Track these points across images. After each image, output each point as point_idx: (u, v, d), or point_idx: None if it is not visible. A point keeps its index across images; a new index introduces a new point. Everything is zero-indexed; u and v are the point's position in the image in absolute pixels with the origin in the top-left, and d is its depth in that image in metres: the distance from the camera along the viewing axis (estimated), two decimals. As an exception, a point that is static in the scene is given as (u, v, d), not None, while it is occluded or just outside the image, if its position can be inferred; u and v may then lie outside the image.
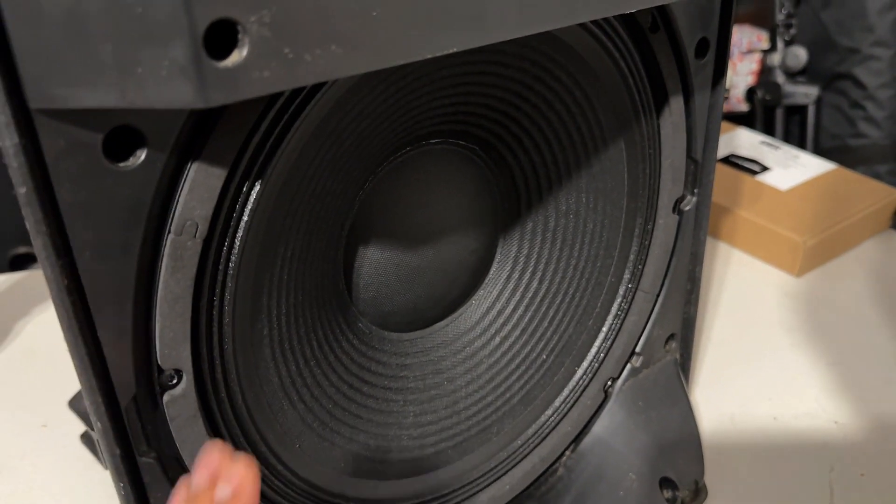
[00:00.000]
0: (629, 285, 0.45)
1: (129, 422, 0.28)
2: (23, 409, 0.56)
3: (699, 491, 0.48)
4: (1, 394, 0.58)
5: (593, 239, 0.44)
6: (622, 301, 0.45)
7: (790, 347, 0.64)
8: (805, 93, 1.37)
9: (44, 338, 0.64)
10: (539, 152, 0.41)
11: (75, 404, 0.47)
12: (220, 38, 0.20)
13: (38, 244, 0.24)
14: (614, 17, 0.36)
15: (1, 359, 0.62)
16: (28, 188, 0.23)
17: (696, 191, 0.45)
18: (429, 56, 0.24)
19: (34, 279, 0.72)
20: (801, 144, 1.39)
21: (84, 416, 0.46)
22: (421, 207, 0.39)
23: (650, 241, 0.45)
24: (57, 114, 0.22)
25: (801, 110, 1.40)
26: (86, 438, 0.51)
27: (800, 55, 1.38)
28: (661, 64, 0.40)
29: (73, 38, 0.21)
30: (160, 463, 0.29)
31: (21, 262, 1.01)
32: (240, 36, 0.20)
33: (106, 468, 0.50)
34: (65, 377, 0.59)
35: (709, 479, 0.50)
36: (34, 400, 0.57)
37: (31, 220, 0.23)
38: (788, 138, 1.44)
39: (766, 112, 1.44)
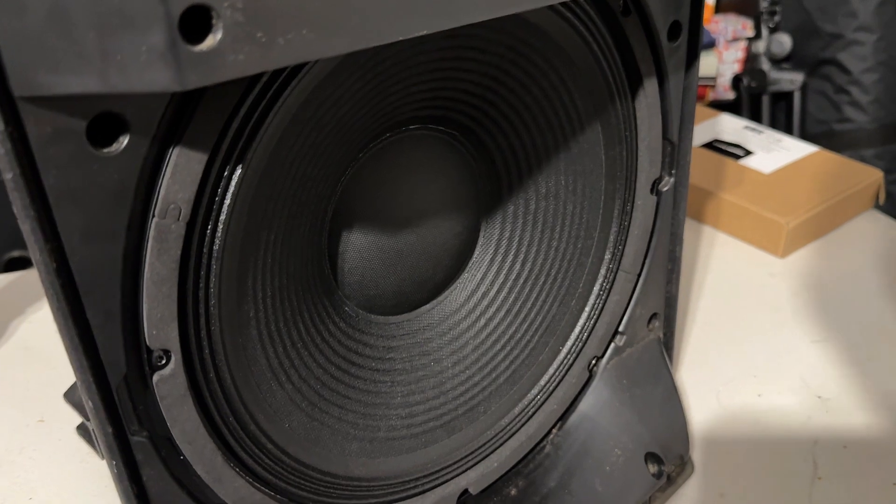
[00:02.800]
0: (610, 266, 0.46)
1: (121, 401, 0.29)
2: (19, 405, 0.57)
3: (685, 465, 0.49)
4: (-2, 391, 0.59)
5: (573, 221, 0.45)
6: (604, 281, 0.46)
7: (775, 326, 0.65)
8: (790, 79, 1.39)
9: (38, 336, 0.65)
10: (517, 136, 0.42)
11: (70, 396, 0.48)
12: (195, 23, 0.21)
13: (27, 228, 0.24)
14: (585, 1, 0.37)
15: (-3, 357, 0.63)
16: (15, 174, 0.23)
17: (673, 172, 0.46)
18: (399, 38, 0.25)
19: (28, 279, 0.73)
20: (788, 130, 1.41)
21: (79, 407, 0.47)
22: (403, 192, 0.40)
23: (629, 222, 0.46)
24: (42, 101, 0.23)
25: (786, 97, 1.41)
26: (82, 430, 0.52)
27: (784, 42, 1.39)
28: (635, 47, 0.41)
29: (56, 28, 0.22)
30: (152, 442, 0.30)
31: (15, 266, 1.02)
32: (214, 21, 0.21)
33: (102, 457, 0.51)
34: (60, 373, 0.60)
35: (695, 455, 0.51)
36: (30, 396, 0.58)
37: (19, 204, 0.24)
38: (775, 125, 1.45)
39: (752, 99, 1.45)
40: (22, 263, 1.03)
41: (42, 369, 0.61)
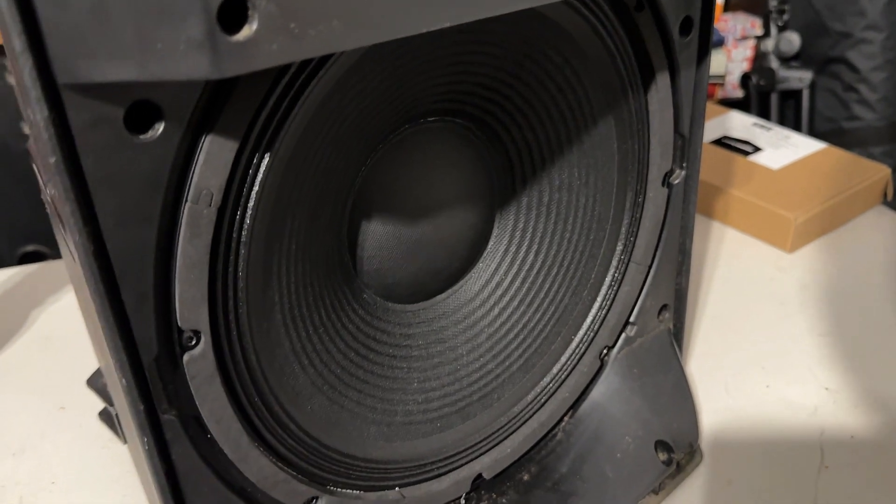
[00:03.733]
0: (621, 257, 0.47)
1: (152, 380, 0.30)
2: (41, 393, 0.58)
3: (694, 453, 0.50)
4: (19, 379, 0.60)
5: (586, 212, 0.45)
6: (615, 272, 0.47)
7: (783, 319, 0.66)
8: (799, 77, 1.39)
9: (58, 325, 0.66)
10: (532, 129, 0.43)
11: (93, 382, 0.49)
12: (232, 14, 0.22)
13: (66, 211, 0.25)
14: (600, -4, 0.38)
15: (18, 346, 0.64)
16: (57, 158, 0.25)
17: (684, 165, 0.47)
18: (423, 30, 0.26)
19: (47, 271, 0.74)
20: (797, 128, 1.41)
21: (102, 393, 0.48)
22: (420, 184, 0.41)
23: (641, 214, 0.47)
24: (82, 89, 0.24)
25: (795, 95, 1.41)
26: (104, 415, 0.53)
27: (793, 40, 1.40)
28: (647, 42, 0.42)
29: (98, 18, 0.23)
30: (180, 421, 0.31)
31: (30, 260, 1.04)
32: (250, 12, 0.22)
33: (125, 443, 0.52)
34: (80, 361, 0.61)
35: (704, 443, 0.52)
36: (52, 384, 0.59)
37: (60, 188, 0.25)
38: (784, 123, 1.45)
39: (761, 97, 1.46)
40: (34, 258, 1.05)
41: (62, 358, 0.62)
